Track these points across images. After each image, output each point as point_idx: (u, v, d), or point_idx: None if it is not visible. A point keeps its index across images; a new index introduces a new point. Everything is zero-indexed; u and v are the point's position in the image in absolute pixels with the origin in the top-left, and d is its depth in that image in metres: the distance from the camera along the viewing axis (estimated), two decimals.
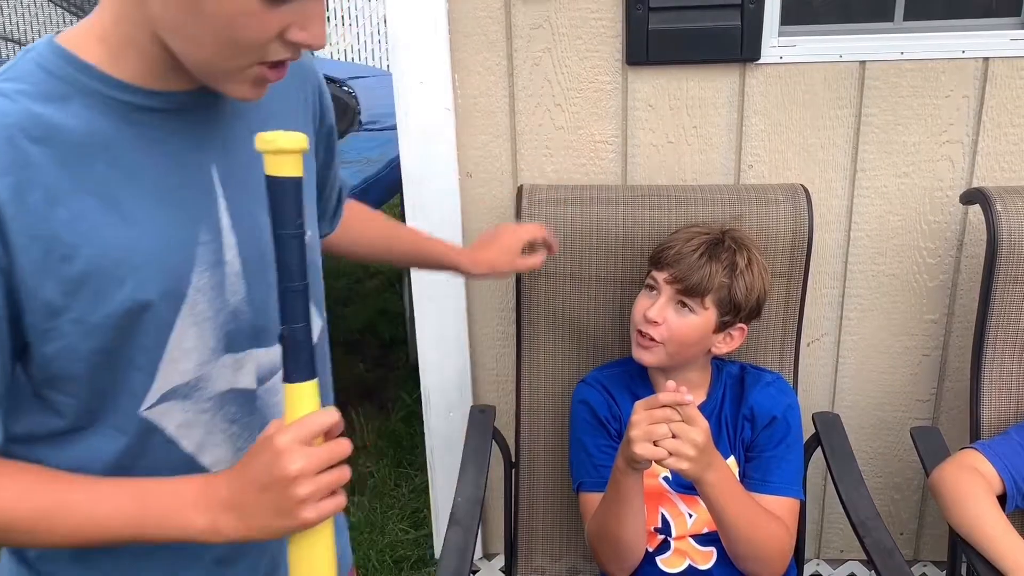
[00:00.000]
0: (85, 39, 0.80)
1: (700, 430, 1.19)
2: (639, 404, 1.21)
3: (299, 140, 0.77)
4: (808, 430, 1.61)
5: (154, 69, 0.80)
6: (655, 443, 1.18)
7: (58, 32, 0.82)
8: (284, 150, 0.77)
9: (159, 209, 0.81)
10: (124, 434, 0.85)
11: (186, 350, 0.84)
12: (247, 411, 0.92)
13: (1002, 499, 1.42)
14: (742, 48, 1.73)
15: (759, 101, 1.80)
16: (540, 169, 1.87)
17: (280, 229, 0.79)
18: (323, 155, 1.07)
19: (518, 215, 1.71)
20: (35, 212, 0.74)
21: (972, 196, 1.67)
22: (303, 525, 0.79)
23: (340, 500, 0.80)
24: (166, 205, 0.82)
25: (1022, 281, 1.59)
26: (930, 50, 1.73)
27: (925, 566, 2.09)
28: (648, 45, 1.74)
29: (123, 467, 0.85)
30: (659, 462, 1.19)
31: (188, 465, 0.88)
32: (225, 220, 0.86)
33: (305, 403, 0.80)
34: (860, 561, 2.09)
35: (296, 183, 0.78)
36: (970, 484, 1.41)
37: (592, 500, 1.43)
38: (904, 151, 1.79)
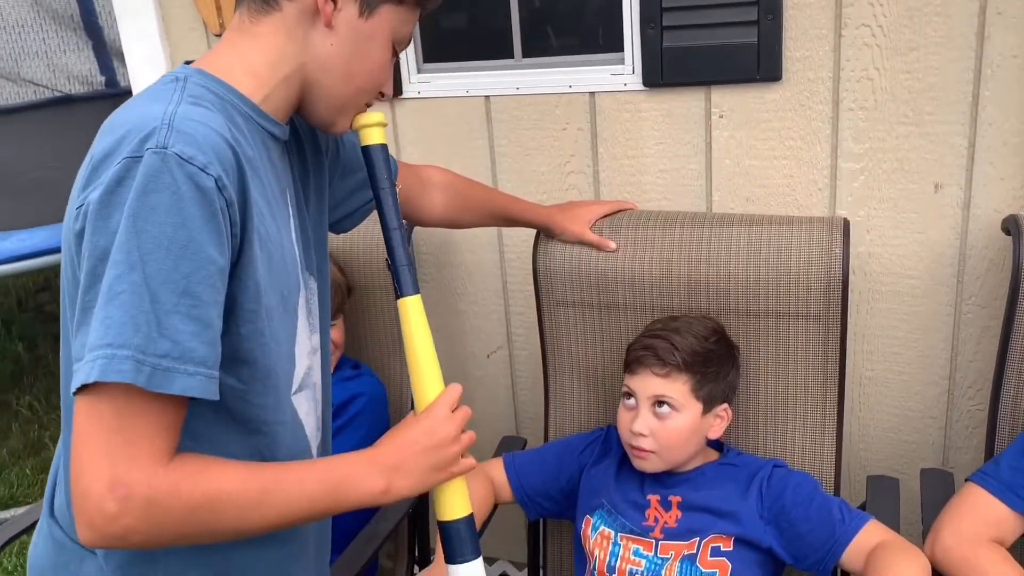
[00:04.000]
0: (232, 70, 0.95)
1: None
2: None
3: (377, 116, 1.08)
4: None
5: (284, 106, 0.99)
6: None
7: (187, 61, 0.99)
8: (368, 124, 1.08)
9: (277, 220, 0.98)
10: (268, 423, 0.96)
11: (301, 340, 1.01)
12: (317, 403, 1.09)
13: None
14: None
15: (410, 132, 1.93)
16: None
17: (378, 185, 1.09)
18: (338, 162, 1.25)
19: None
20: (248, 208, 0.89)
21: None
22: (452, 477, 1.02)
23: (470, 458, 1.04)
24: (276, 217, 0.98)
25: None
26: (542, 85, 1.79)
27: None
28: None
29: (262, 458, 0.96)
30: None
31: (306, 451, 1.05)
32: (290, 236, 1.03)
33: (415, 313, 1.07)
34: None
35: (383, 148, 1.09)
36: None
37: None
38: (536, 180, 1.87)
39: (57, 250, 2.91)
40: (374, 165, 1.09)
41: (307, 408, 1.04)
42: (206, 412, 0.91)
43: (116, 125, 0.88)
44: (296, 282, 1.01)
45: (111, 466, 0.81)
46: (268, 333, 0.93)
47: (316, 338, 1.09)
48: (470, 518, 1.07)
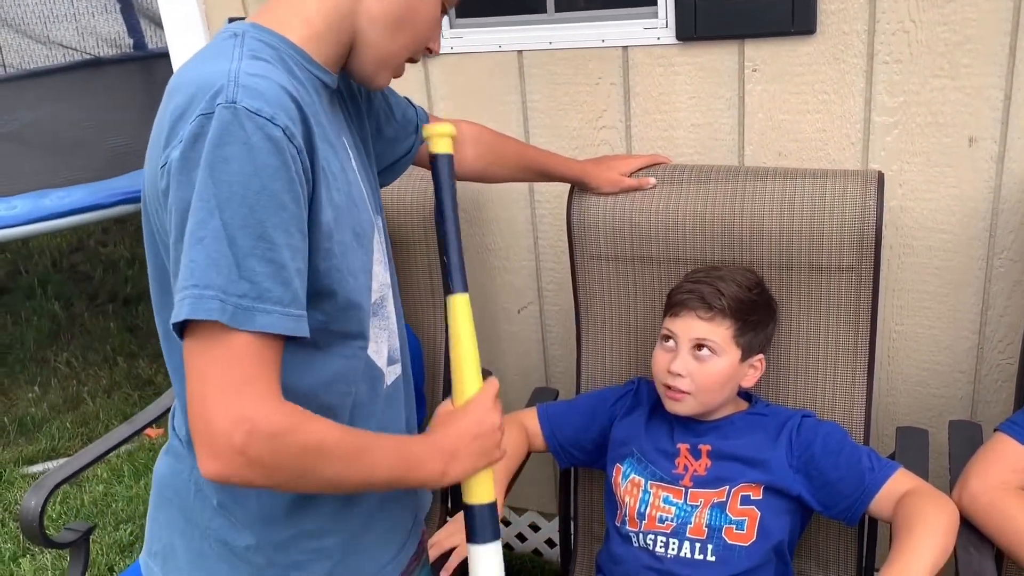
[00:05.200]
0: (286, 22, 0.99)
1: None
2: None
3: (447, 128, 1.17)
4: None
5: (335, 57, 1.03)
6: None
7: (232, 19, 1.06)
8: (438, 134, 1.16)
9: (340, 161, 1.02)
10: (349, 347, 1.03)
11: (376, 273, 1.07)
12: (392, 334, 1.14)
13: None
14: None
15: (443, 88, 1.95)
16: None
17: (442, 192, 1.16)
18: (372, 111, 1.27)
19: None
20: (315, 153, 0.94)
21: None
22: (494, 462, 1.10)
23: (504, 447, 1.12)
24: (339, 159, 1.03)
25: None
26: (575, 40, 1.80)
27: None
28: None
29: (338, 381, 1.03)
30: None
31: (379, 377, 1.10)
32: (356, 176, 1.08)
33: (463, 310, 1.12)
34: None
35: (449, 158, 1.17)
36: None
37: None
38: (568, 135, 1.88)
39: (93, 208, 2.98)
40: (440, 173, 1.17)
41: (376, 336, 1.08)
42: (299, 346, 0.96)
43: (184, 84, 0.92)
44: (369, 219, 1.06)
45: (234, 402, 0.86)
46: (345, 268, 0.98)
47: (390, 275, 1.14)
48: (493, 504, 1.12)
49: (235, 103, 0.86)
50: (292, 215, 0.89)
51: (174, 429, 1.13)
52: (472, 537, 1.12)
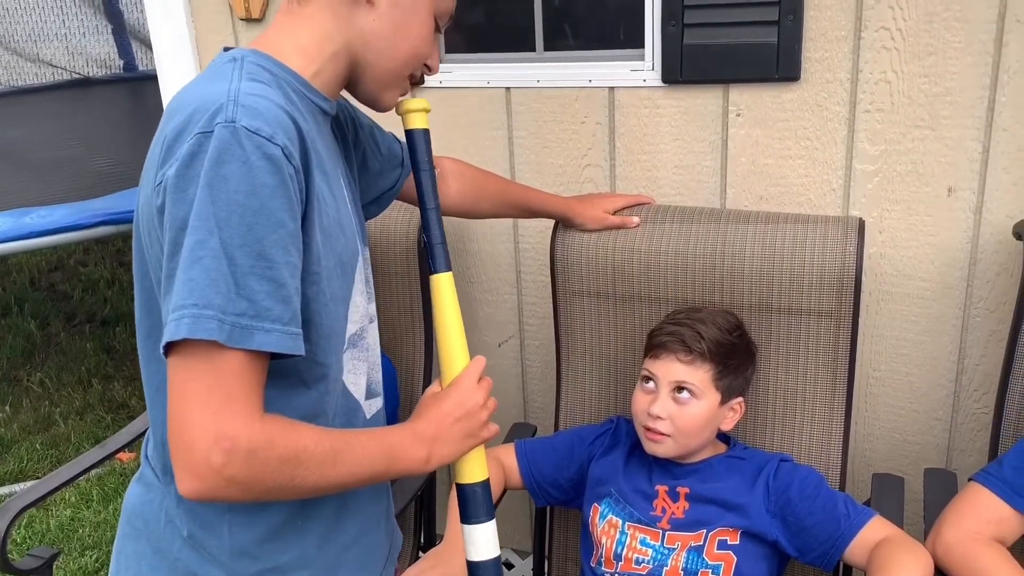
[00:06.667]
0: (283, 49, 1.00)
1: None
2: None
3: (421, 102, 1.13)
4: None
5: (333, 83, 1.04)
6: None
7: (226, 48, 1.05)
8: (413, 109, 1.13)
9: (332, 188, 1.02)
10: (327, 379, 1.02)
11: (356, 303, 1.07)
12: (370, 367, 1.13)
13: None
14: None
15: (431, 121, 1.95)
16: None
17: (420, 168, 1.14)
18: (359, 144, 1.26)
19: None
20: (310, 176, 0.94)
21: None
22: (481, 442, 1.09)
23: (494, 424, 1.11)
24: (331, 185, 1.02)
25: None
26: (562, 79, 1.81)
27: None
28: None
29: (316, 415, 1.01)
30: None
31: (356, 409, 1.10)
32: (346, 204, 1.07)
33: (447, 289, 1.12)
34: None
35: (425, 132, 1.14)
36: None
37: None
38: (553, 173, 1.89)
39: (74, 228, 2.96)
40: (416, 148, 1.15)
41: (354, 368, 1.08)
42: (280, 369, 0.95)
43: (183, 105, 0.92)
44: (355, 249, 1.06)
45: (215, 420, 0.85)
46: (328, 294, 0.98)
47: (372, 307, 1.14)
48: (486, 483, 1.12)
49: (234, 122, 0.87)
50: (290, 233, 0.89)
51: (147, 458, 1.11)
52: (465, 517, 1.12)
